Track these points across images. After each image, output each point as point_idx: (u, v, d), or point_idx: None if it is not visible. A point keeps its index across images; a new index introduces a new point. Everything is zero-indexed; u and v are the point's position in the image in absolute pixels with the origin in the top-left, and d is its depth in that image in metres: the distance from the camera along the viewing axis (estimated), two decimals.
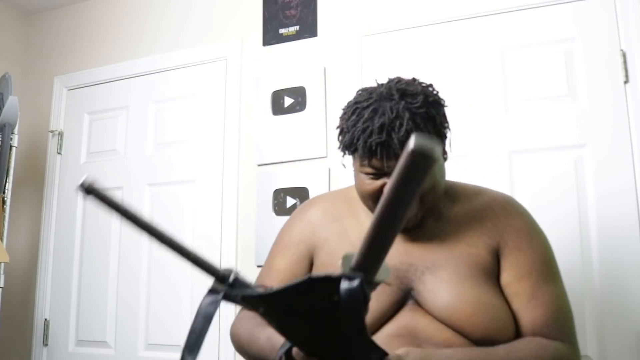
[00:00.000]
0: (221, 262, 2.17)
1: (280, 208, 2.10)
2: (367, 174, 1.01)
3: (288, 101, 2.17)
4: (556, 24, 1.84)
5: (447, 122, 1.04)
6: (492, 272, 1.02)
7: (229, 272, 0.76)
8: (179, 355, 2.20)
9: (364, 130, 0.97)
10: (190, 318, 2.20)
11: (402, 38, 2.04)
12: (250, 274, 2.12)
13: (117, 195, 2.46)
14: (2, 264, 2.23)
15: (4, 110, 2.31)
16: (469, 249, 1.03)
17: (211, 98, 2.35)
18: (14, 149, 2.38)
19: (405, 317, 0.98)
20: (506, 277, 1.03)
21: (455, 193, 1.12)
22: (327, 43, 2.17)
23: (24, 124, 2.68)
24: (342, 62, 2.11)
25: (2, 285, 2.23)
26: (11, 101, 2.31)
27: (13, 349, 2.52)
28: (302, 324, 0.71)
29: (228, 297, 0.73)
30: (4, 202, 2.29)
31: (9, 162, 2.33)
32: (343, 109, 1.04)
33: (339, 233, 1.09)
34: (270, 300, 0.69)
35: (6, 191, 2.31)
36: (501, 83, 1.87)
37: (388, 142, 0.95)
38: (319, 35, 2.19)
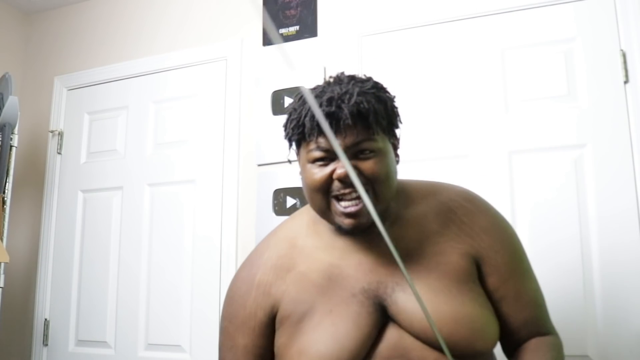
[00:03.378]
0: (221, 262, 2.17)
1: (280, 208, 2.10)
2: (315, 160, 0.95)
3: (288, 101, 2.17)
4: (556, 24, 1.83)
5: (398, 115, 1.00)
6: (467, 277, 0.98)
7: None
8: (179, 355, 2.20)
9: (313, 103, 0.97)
10: (190, 318, 2.20)
11: (402, 38, 2.04)
12: None
13: (117, 196, 2.46)
14: (2, 264, 2.23)
15: (4, 110, 2.31)
16: (436, 257, 0.99)
17: (211, 98, 2.35)
18: (14, 149, 2.38)
19: (393, 336, 0.94)
20: (492, 283, 1.01)
21: (408, 194, 1.07)
22: (327, 43, 2.17)
23: (24, 124, 2.68)
24: (342, 62, 2.11)
25: (2, 285, 2.23)
26: (11, 101, 2.31)
27: (13, 349, 2.52)
28: None
29: None
30: (4, 202, 2.29)
31: (9, 162, 2.33)
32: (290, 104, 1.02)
33: (296, 280, 1.01)
34: None
35: (6, 191, 2.31)
36: (501, 83, 1.87)
37: (337, 113, 0.91)
38: (319, 35, 2.19)
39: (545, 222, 1.74)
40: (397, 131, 1.02)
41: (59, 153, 2.63)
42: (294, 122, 0.97)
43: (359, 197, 0.93)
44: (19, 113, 2.37)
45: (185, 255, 2.26)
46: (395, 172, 1.00)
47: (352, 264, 1.00)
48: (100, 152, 2.55)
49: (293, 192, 2.09)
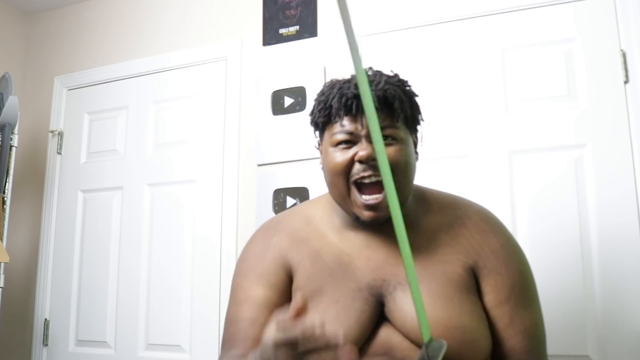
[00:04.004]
0: (221, 262, 2.17)
1: (280, 208, 2.10)
2: (339, 144, 0.98)
3: (288, 101, 2.17)
4: (556, 24, 1.83)
5: (421, 112, 1.05)
6: (469, 289, 0.99)
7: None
8: (179, 355, 2.20)
9: (340, 89, 0.98)
10: (190, 318, 2.20)
11: (402, 38, 2.04)
12: None
13: (117, 195, 2.46)
14: (2, 264, 2.23)
15: (4, 110, 2.31)
16: (442, 266, 0.99)
17: (211, 98, 2.35)
18: (14, 149, 2.38)
19: (382, 334, 0.95)
20: (488, 302, 1.01)
21: (428, 202, 1.08)
22: (327, 43, 2.17)
23: (24, 124, 2.68)
24: (342, 62, 2.11)
25: (2, 285, 2.23)
26: (11, 101, 2.31)
27: (13, 349, 2.52)
28: None
29: None
30: (4, 202, 2.29)
31: (9, 162, 2.33)
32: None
33: (310, 254, 1.02)
34: None
35: (6, 191, 2.31)
36: (501, 83, 1.87)
37: None
38: (319, 35, 2.19)
39: (545, 222, 1.74)
40: (419, 130, 1.06)
41: (59, 153, 2.63)
42: (322, 105, 1.00)
43: (378, 182, 0.94)
44: (19, 113, 2.37)
45: (185, 256, 2.26)
46: (414, 166, 1.02)
47: (361, 257, 1.01)
48: (100, 152, 2.55)
49: (293, 192, 2.09)
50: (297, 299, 0.69)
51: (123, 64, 2.57)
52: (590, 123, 1.74)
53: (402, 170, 0.97)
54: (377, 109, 0.94)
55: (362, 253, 1.02)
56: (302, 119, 2.12)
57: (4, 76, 2.43)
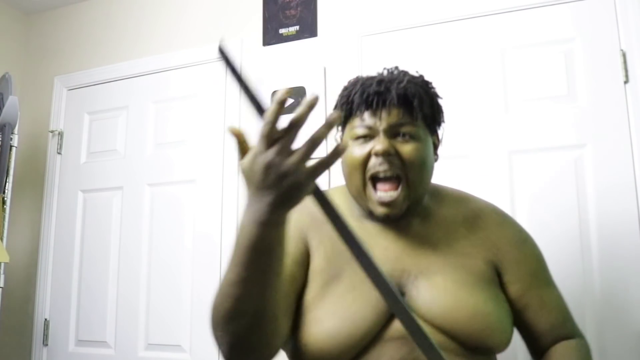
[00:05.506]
0: (221, 262, 2.17)
1: None
2: (358, 138, 1.00)
3: (288, 101, 2.16)
4: (556, 24, 1.83)
5: (443, 113, 1.07)
6: (490, 281, 1.03)
7: None
8: (179, 355, 2.20)
9: (362, 84, 1.02)
10: (190, 318, 2.20)
11: (402, 38, 2.04)
12: None
13: (117, 195, 2.46)
14: (2, 264, 2.23)
15: (4, 110, 2.31)
16: (463, 258, 1.02)
17: (211, 98, 2.35)
18: (14, 149, 2.38)
19: (398, 322, 0.96)
20: (515, 291, 1.05)
21: (441, 196, 1.11)
22: (327, 43, 2.17)
23: (24, 124, 2.68)
24: (342, 62, 2.11)
25: (2, 285, 2.23)
26: (11, 101, 2.31)
27: (13, 349, 2.52)
28: None
29: None
30: (4, 202, 2.29)
31: (9, 162, 2.33)
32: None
33: (330, 237, 1.00)
34: None
35: (6, 191, 2.31)
36: (501, 83, 1.87)
37: (384, 93, 0.99)
38: (319, 35, 2.19)
39: (545, 221, 1.74)
40: (440, 132, 1.08)
41: (59, 153, 2.63)
42: (344, 99, 1.03)
43: (393, 177, 0.98)
44: (19, 113, 2.38)
45: (186, 255, 2.26)
46: (432, 166, 1.04)
47: (379, 246, 1.02)
48: (101, 152, 2.55)
49: None
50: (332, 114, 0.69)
51: (123, 64, 2.57)
52: (590, 123, 1.74)
53: (417, 168, 0.99)
54: (396, 106, 0.99)
55: (380, 243, 1.03)
56: None
57: (4, 76, 2.44)
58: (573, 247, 1.70)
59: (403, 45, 2.03)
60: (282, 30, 2.26)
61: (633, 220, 1.65)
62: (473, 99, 1.90)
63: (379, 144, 0.97)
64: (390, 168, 0.97)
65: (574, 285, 1.68)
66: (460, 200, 1.12)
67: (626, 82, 1.72)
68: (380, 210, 0.99)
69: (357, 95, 1.01)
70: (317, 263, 1.01)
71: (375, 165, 0.98)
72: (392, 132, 0.99)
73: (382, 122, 0.99)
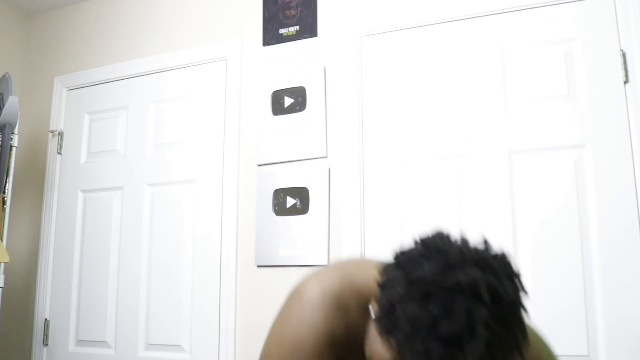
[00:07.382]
0: (221, 262, 2.17)
1: (280, 208, 2.10)
2: None
3: (288, 101, 2.17)
4: (556, 24, 1.84)
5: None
6: None
7: None
8: (179, 355, 2.20)
9: (430, 331, 0.64)
10: (190, 318, 2.20)
11: (402, 38, 2.04)
12: (249, 274, 2.12)
13: (117, 195, 2.46)
14: (2, 264, 2.23)
15: (4, 110, 2.31)
16: None
17: (211, 98, 2.35)
18: (14, 149, 2.38)
19: None
20: None
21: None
22: (327, 43, 2.17)
23: (24, 124, 2.68)
24: (342, 62, 2.11)
25: (2, 285, 2.23)
26: (11, 101, 2.31)
27: (13, 349, 2.52)
28: None
29: None
30: (4, 202, 2.29)
31: (9, 162, 2.33)
32: (387, 272, 0.70)
33: None
34: None
35: (6, 191, 2.31)
36: (501, 83, 1.88)
37: (457, 355, 0.64)
38: (319, 35, 2.19)
39: (545, 222, 1.74)
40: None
41: (59, 153, 2.63)
42: (389, 326, 0.67)
43: None
44: (19, 113, 2.37)
45: (186, 255, 2.26)
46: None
47: None
48: (101, 152, 2.55)
49: (293, 192, 2.09)
50: None
51: (123, 64, 2.57)
52: (590, 123, 1.74)
53: None
54: None
55: None
56: (302, 119, 2.12)
57: (4, 76, 2.44)
58: (573, 247, 1.70)
59: (403, 45, 2.03)
60: (282, 30, 2.26)
61: (633, 220, 1.65)
62: (473, 98, 1.90)
63: None
64: None
65: (573, 285, 1.68)
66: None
67: (626, 82, 1.72)
68: None
69: (412, 352, 0.64)
70: None
71: None
72: None
73: None
